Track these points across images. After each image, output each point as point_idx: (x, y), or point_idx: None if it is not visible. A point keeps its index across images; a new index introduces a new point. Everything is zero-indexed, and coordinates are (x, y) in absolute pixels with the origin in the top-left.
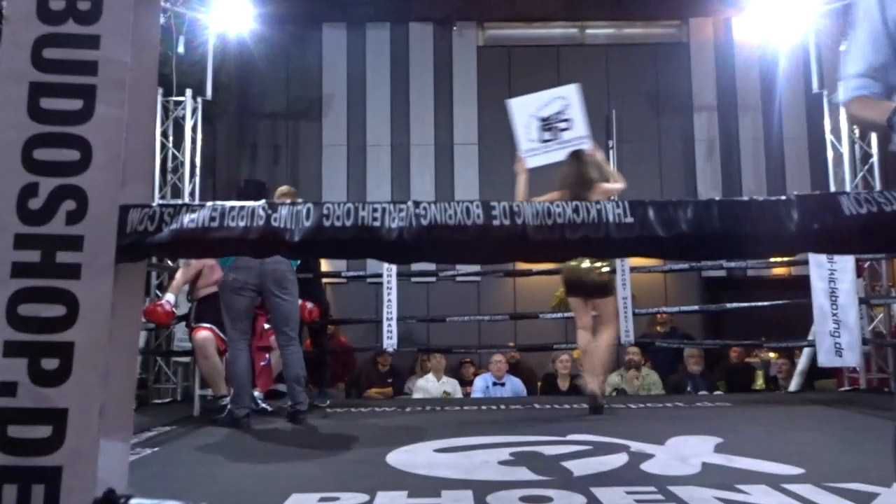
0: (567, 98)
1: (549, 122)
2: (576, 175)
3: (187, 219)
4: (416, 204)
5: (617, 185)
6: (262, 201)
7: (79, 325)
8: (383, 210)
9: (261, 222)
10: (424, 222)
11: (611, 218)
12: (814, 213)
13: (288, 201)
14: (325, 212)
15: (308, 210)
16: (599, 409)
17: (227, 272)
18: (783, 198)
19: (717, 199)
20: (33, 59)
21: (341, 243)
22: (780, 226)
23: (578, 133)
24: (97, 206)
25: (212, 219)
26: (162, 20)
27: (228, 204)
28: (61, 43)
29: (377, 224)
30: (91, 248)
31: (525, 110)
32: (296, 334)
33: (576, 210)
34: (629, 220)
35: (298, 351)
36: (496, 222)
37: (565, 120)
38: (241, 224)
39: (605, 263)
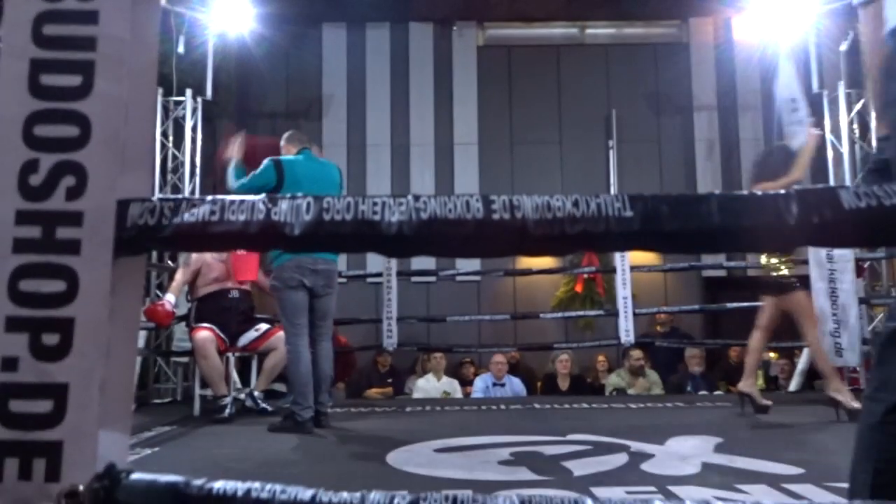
0: (789, 73)
1: (794, 104)
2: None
3: (188, 213)
4: (416, 198)
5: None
6: (263, 195)
7: (79, 300)
8: (383, 204)
9: (261, 216)
10: (424, 216)
11: (610, 212)
12: (813, 206)
13: (294, 151)
14: (324, 206)
15: (308, 204)
16: (764, 409)
17: (280, 270)
18: (782, 192)
19: (717, 192)
20: (33, 36)
21: (341, 237)
22: (779, 219)
23: (802, 108)
24: (96, 181)
25: (212, 213)
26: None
27: (228, 198)
28: (60, 19)
29: (377, 218)
30: (90, 223)
31: (784, 95)
32: (331, 330)
33: (575, 204)
34: (629, 214)
35: (331, 347)
36: (496, 216)
37: (793, 99)
38: (241, 218)
39: (782, 261)
